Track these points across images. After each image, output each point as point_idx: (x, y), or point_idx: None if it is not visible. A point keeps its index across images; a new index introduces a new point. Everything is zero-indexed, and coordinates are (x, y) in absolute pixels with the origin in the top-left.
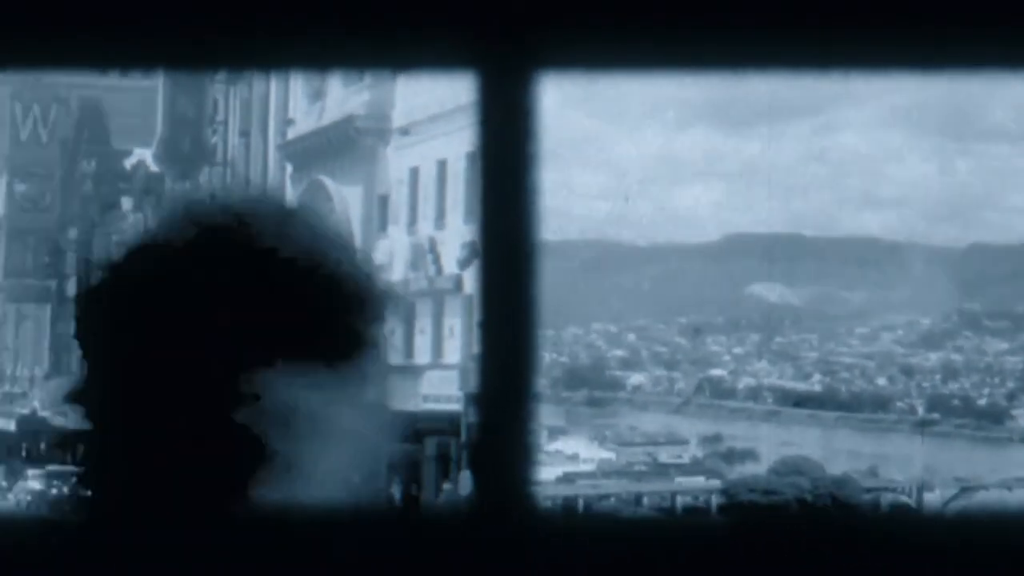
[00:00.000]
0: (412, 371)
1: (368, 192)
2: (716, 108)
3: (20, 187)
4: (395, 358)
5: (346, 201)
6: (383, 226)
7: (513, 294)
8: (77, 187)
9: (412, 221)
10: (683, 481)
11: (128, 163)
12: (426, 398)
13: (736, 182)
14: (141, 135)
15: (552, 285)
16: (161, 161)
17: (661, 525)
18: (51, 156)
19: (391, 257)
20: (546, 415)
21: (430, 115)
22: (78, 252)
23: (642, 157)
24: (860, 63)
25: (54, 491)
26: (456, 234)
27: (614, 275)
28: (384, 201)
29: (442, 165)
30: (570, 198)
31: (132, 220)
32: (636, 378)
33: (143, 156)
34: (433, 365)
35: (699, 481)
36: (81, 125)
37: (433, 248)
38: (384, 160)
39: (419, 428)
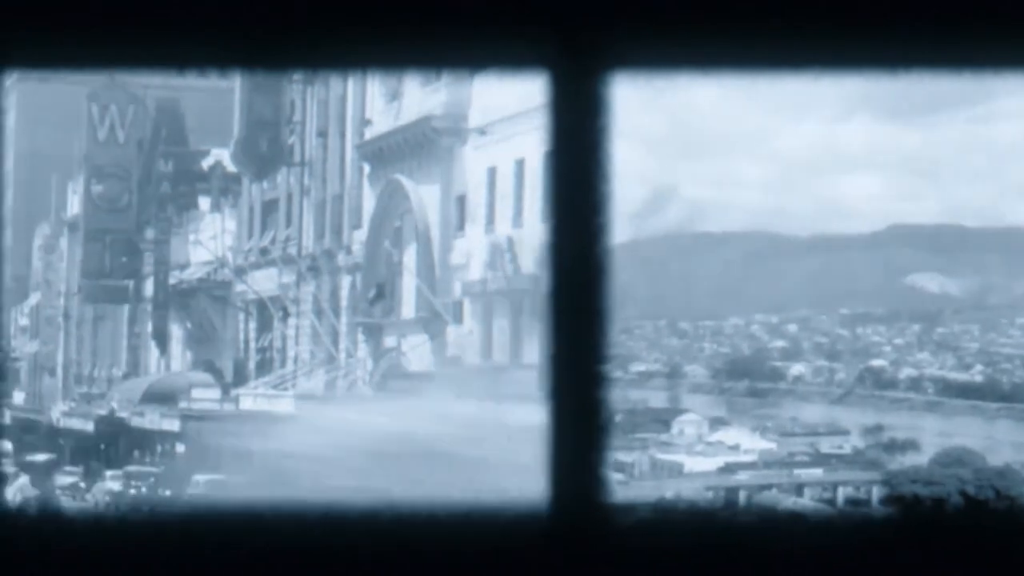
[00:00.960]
0: (491, 370)
1: (446, 192)
2: (876, 100)
3: (97, 188)
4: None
5: (424, 201)
6: (461, 226)
7: (583, 293)
8: (154, 187)
9: (490, 220)
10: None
11: (205, 163)
12: (504, 397)
13: (896, 173)
14: (218, 135)
15: (714, 276)
16: (238, 161)
17: (735, 525)
18: (128, 157)
19: (469, 257)
20: (708, 406)
21: (507, 114)
22: (155, 252)
23: (803, 149)
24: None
25: (132, 491)
26: (534, 233)
27: (775, 266)
28: (462, 201)
29: (520, 164)
30: (732, 190)
31: (209, 220)
32: (797, 368)
33: (220, 156)
34: (512, 364)
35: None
36: (158, 126)
37: (511, 247)
38: (461, 160)
39: None
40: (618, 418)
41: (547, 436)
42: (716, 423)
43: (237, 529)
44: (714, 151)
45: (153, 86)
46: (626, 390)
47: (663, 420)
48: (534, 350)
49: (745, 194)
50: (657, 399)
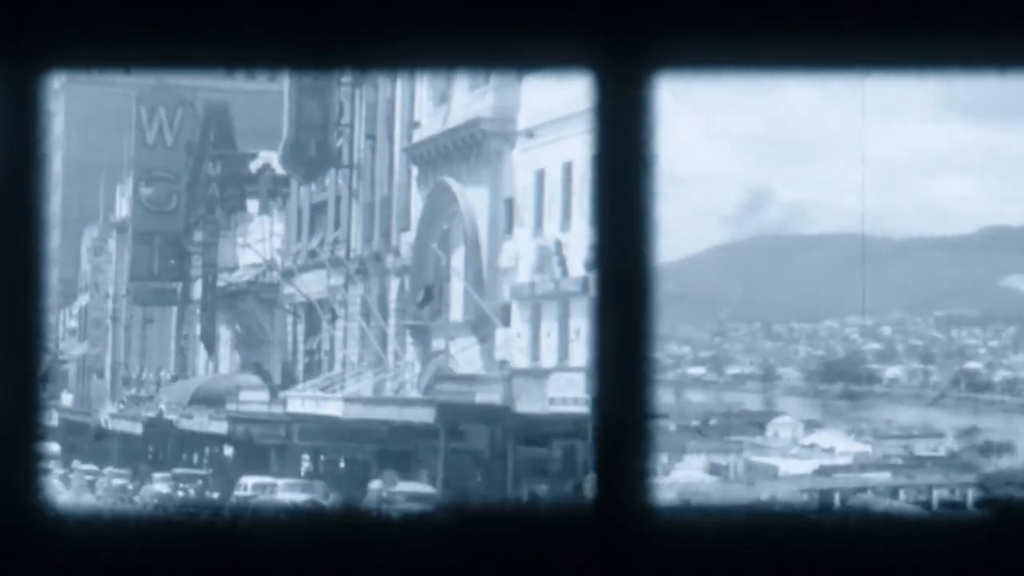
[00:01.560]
0: (538, 374)
1: (494, 194)
2: (972, 102)
3: (146, 190)
4: (522, 361)
5: (472, 204)
6: (509, 228)
7: (630, 297)
8: (202, 190)
9: (538, 223)
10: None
11: (254, 166)
12: (552, 401)
13: (990, 175)
14: (267, 138)
15: (808, 279)
16: (287, 164)
17: (780, 525)
18: (177, 159)
19: (517, 260)
20: (802, 408)
21: (556, 117)
22: (204, 255)
23: (897, 151)
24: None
25: (180, 494)
26: (582, 236)
27: (870, 268)
28: (510, 203)
29: (568, 167)
30: (827, 192)
31: (257, 223)
32: (892, 371)
33: (269, 159)
34: (560, 367)
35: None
36: (207, 128)
37: (559, 250)
38: (510, 162)
39: (545, 431)
40: (713, 421)
41: (593, 437)
42: (811, 426)
43: (293, 529)
44: (810, 154)
45: (202, 88)
46: (721, 393)
47: (758, 423)
48: (582, 353)
49: (840, 197)
50: (752, 402)
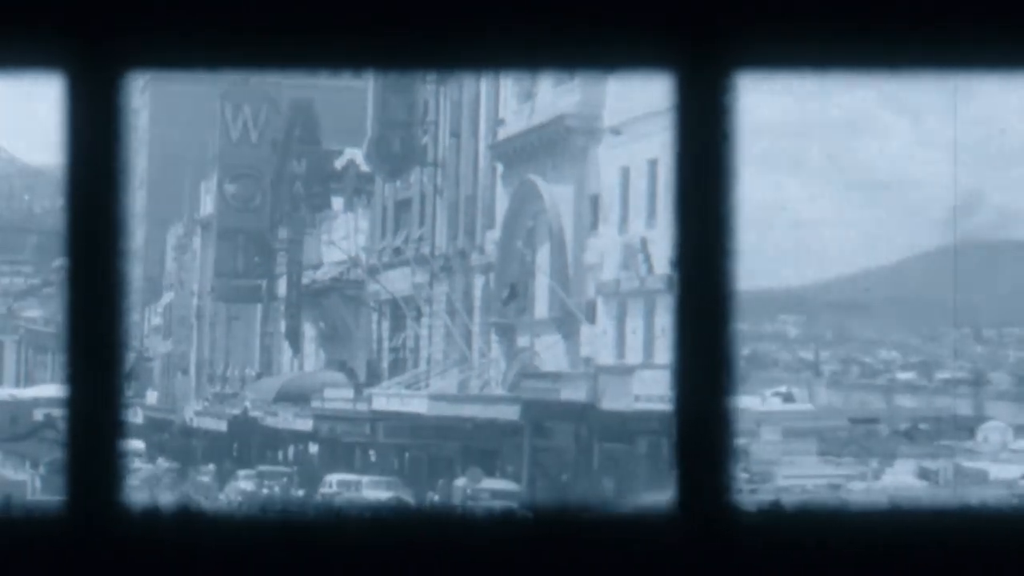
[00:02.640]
0: (624, 371)
1: (579, 191)
2: None
3: (230, 187)
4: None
5: (557, 201)
6: (594, 225)
7: (709, 294)
8: (287, 187)
9: (623, 220)
10: None
11: (338, 163)
12: (638, 398)
13: None
14: (351, 135)
15: (1019, 283)
16: (372, 161)
17: (853, 524)
18: (261, 156)
19: (602, 257)
20: (1013, 413)
21: (641, 114)
22: (288, 252)
23: None
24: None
25: (265, 491)
26: (667, 233)
27: None
28: (595, 200)
29: (653, 164)
30: None
31: (342, 220)
32: None
33: (353, 156)
34: (645, 365)
35: None
36: (291, 125)
37: (644, 248)
38: (595, 159)
39: (631, 428)
40: (923, 426)
41: (673, 437)
42: (1021, 430)
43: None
44: (1021, 158)
45: (286, 85)
46: (931, 398)
47: (968, 427)
48: (667, 350)
49: None
50: (962, 407)
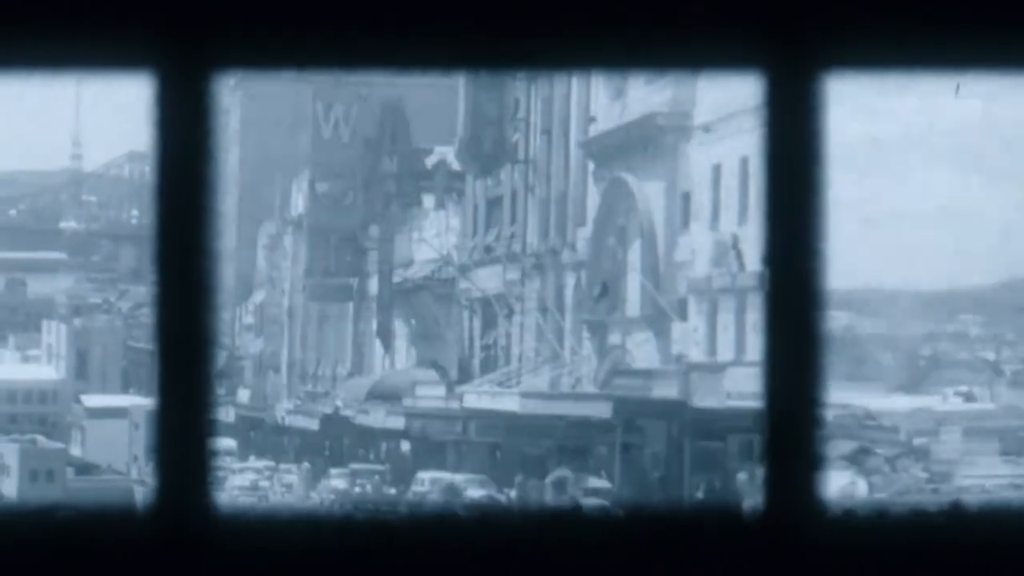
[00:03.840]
0: (715, 368)
1: (670, 189)
2: None
3: (322, 186)
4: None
5: (648, 198)
6: (685, 223)
7: (800, 292)
8: (378, 185)
9: (715, 218)
10: None
11: (429, 161)
12: (729, 395)
13: None
14: (442, 133)
15: None
16: (463, 159)
17: (937, 525)
18: (353, 155)
19: (694, 254)
20: None
21: (732, 111)
22: (380, 251)
23: None
24: None
25: (358, 489)
26: (759, 231)
27: None
28: (686, 198)
29: (744, 162)
30: None
31: (433, 218)
32: None
33: (444, 154)
34: (736, 362)
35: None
36: (382, 124)
37: (736, 245)
38: (686, 157)
39: (722, 425)
40: None
41: (762, 435)
42: None
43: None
44: None
45: (377, 84)
46: None
47: None
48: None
49: None
50: None
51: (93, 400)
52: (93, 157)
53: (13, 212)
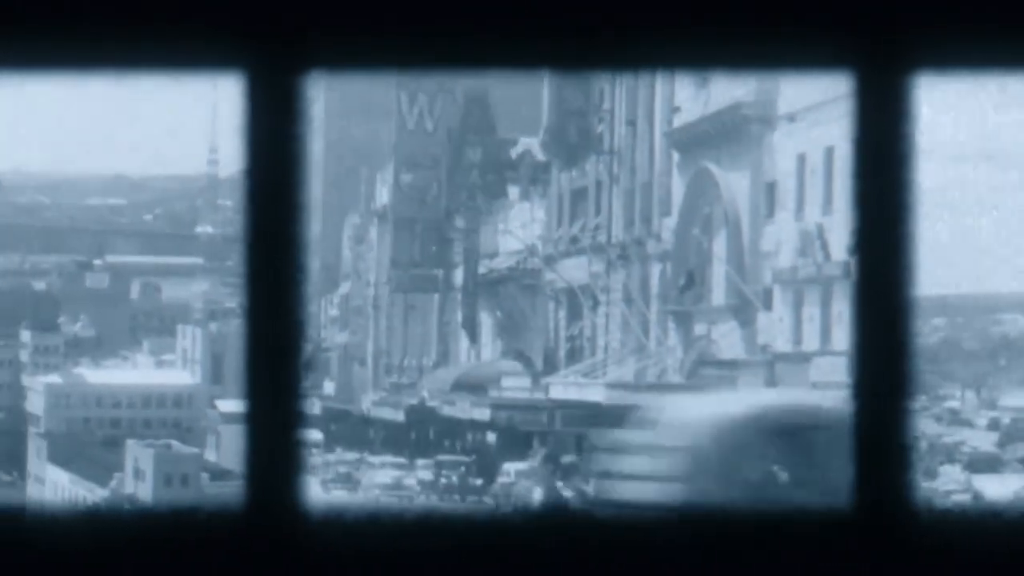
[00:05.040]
0: (801, 358)
1: (755, 179)
2: None
3: (406, 177)
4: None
5: (732, 188)
6: (770, 213)
7: (888, 285)
8: (463, 177)
9: (799, 207)
10: None
11: (514, 152)
12: (815, 385)
13: None
14: (527, 124)
15: None
16: (548, 150)
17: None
18: (437, 146)
19: (779, 244)
20: None
21: (817, 101)
22: (465, 241)
23: None
24: None
25: (443, 480)
26: (844, 221)
27: None
28: (771, 188)
29: (829, 152)
30: None
31: (518, 209)
32: None
33: (529, 145)
34: (822, 351)
35: None
36: (467, 114)
37: (821, 234)
38: (770, 147)
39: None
40: None
41: (851, 429)
42: None
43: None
44: None
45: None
46: None
47: None
48: (844, 337)
49: None
50: None
51: (228, 405)
52: (229, 162)
53: (149, 217)
